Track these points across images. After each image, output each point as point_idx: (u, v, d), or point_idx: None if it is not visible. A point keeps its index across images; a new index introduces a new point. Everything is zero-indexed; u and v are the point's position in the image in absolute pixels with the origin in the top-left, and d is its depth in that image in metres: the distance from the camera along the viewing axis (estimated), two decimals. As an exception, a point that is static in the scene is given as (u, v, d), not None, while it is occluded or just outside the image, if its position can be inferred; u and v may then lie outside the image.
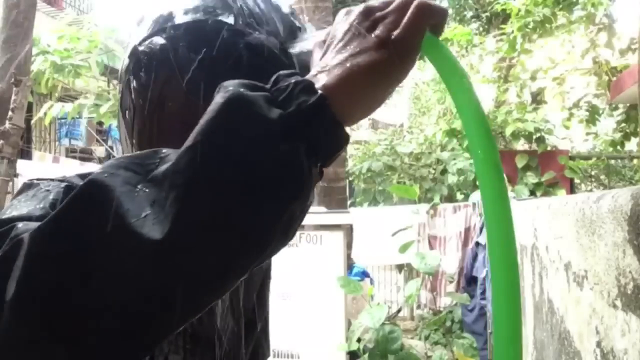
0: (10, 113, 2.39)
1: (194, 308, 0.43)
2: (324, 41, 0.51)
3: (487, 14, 9.29)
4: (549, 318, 1.78)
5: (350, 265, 4.91)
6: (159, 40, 0.64)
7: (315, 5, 5.48)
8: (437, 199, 5.41)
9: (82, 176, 0.55)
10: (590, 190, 7.04)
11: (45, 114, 6.03)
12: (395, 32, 0.47)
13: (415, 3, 0.48)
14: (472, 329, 4.20)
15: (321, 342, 3.76)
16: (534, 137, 6.42)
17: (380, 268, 6.77)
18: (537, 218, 2.00)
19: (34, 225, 0.42)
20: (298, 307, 3.85)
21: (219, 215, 0.41)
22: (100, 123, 7.56)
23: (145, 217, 0.40)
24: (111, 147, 8.48)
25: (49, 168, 6.00)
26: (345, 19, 0.50)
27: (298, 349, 3.88)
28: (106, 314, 0.40)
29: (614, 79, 6.84)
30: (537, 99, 8.23)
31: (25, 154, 6.87)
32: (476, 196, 4.39)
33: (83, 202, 0.42)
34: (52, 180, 0.55)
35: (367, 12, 0.49)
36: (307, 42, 0.64)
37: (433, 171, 6.18)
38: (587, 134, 7.80)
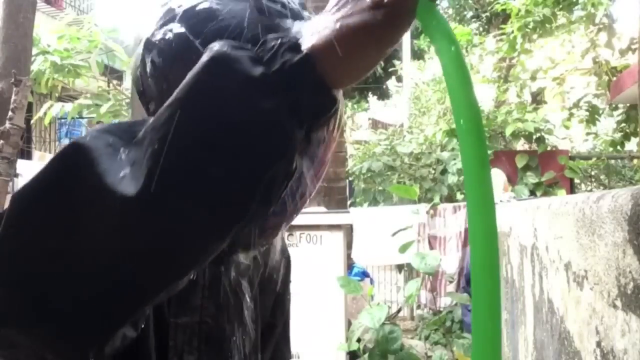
0: (10, 113, 2.39)
1: (174, 269, 0.42)
2: None
3: (487, 14, 9.29)
4: (549, 318, 1.78)
5: (350, 265, 4.91)
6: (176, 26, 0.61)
7: (316, 5, 5.49)
8: (437, 199, 5.41)
9: None
10: (590, 190, 7.04)
11: (45, 114, 6.03)
12: None
13: None
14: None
15: (321, 342, 3.76)
16: (534, 137, 6.41)
17: (380, 268, 6.77)
18: (537, 218, 1.99)
19: None
20: (298, 307, 3.84)
21: (196, 171, 0.40)
22: (100, 123, 7.56)
23: (123, 176, 0.40)
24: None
25: (49, 168, 5.98)
26: None
27: (298, 349, 3.88)
28: (84, 272, 0.40)
29: (614, 79, 6.84)
30: (537, 99, 8.24)
31: (25, 154, 6.87)
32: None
33: (63, 162, 0.42)
34: None
35: None
36: None
37: (433, 171, 6.17)
38: (587, 134, 7.80)
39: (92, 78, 6.42)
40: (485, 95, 7.95)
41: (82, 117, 7.24)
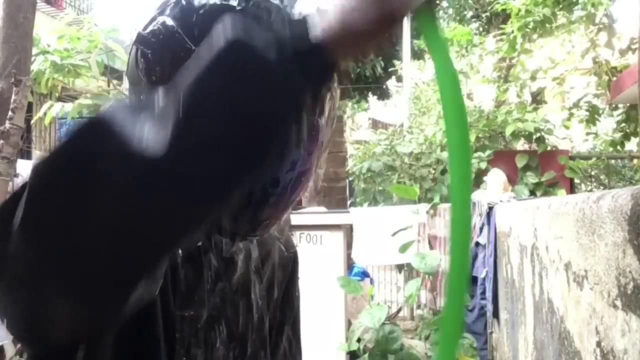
0: (10, 113, 2.39)
1: (192, 225, 0.45)
2: None
3: (487, 14, 9.26)
4: (549, 318, 1.78)
5: (350, 265, 4.91)
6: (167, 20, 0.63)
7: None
8: (437, 199, 5.40)
9: None
10: (590, 190, 7.04)
11: (45, 114, 6.02)
12: None
13: None
14: (472, 329, 4.20)
15: (321, 342, 3.76)
16: (534, 137, 6.41)
17: (380, 268, 6.76)
18: (537, 218, 1.99)
19: None
20: (298, 307, 3.84)
21: (216, 127, 0.43)
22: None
23: (146, 140, 0.42)
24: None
25: (49, 168, 5.98)
26: None
27: (298, 349, 3.87)
28: (106, 233, 0.42)
29: (614, 79, 6.84)
30: (537, 99, 8.23)
31: (25, 154, 6.87)
32: (476, 196, 4.39)
33: (88, 131, 0.44)
34: None
35: None
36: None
37: (433, 171, 6.17)
38: (587, 134, 7.80)
39: (92, 78, 6.42)
40: (485, 95, 7.95)
41: (82, 117, 7.25)
